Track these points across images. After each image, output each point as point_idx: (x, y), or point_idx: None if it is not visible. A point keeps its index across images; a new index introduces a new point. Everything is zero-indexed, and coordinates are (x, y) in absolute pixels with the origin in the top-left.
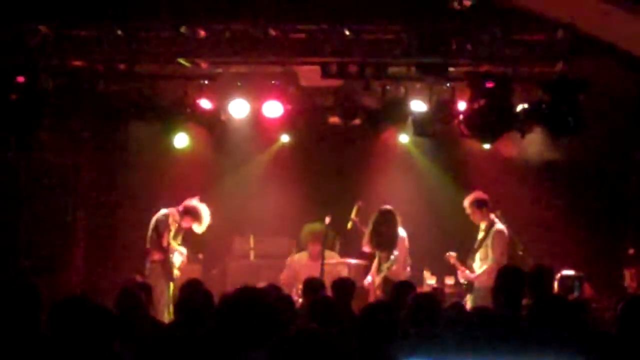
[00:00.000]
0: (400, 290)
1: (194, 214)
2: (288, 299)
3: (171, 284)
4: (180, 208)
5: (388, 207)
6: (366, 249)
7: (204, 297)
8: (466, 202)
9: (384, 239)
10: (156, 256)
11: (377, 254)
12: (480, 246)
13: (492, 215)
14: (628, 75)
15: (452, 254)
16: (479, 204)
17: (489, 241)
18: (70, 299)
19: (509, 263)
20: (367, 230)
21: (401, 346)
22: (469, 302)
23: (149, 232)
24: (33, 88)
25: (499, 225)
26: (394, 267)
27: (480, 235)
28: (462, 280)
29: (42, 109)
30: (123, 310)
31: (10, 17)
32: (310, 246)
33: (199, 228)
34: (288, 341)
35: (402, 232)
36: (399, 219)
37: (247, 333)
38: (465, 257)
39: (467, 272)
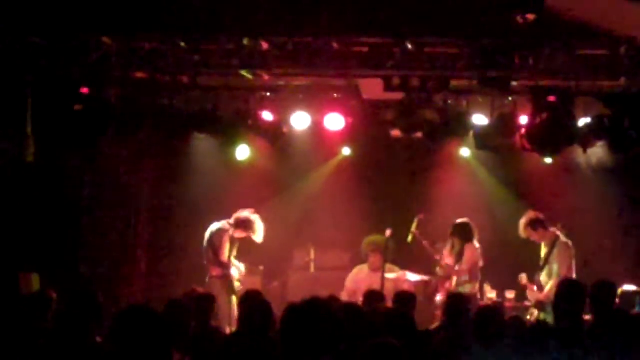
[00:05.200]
0: (454, 303)
1: (246, 226)
2: (356, 309)
3: (233, 297)
4: (232, 220)
5: (458, 220)
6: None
7: (264, 307)
8: (520, 228)
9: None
10: (215, 272)
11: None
12: (546, 262)
13: (553, 229)
14: None
15: (523, 275)
16: (533, 225)
17: (554, 256)
18: (133, 308)
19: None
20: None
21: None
22: (541, 318)
23: (204, 247)
24: (97, 99)
25: (564, 239)
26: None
27: (545, 250)
28: (531, 300)
29: (106, 121)
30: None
31: (74, 29)
32: (371, 257)
33: (257, 238)
34: (365, 351)
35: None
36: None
37: (311, 342)
38: (527, 272)
39: (536, 290)
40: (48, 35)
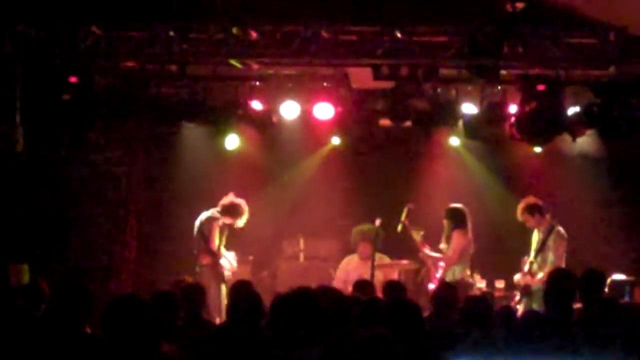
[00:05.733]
0: (443, 293)
1: (232, 211)
2: (346, 299)
3: (223, 286)
4: (218, 208)
5: (451, 205)
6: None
7: (253, 298)
8: (518, 211)
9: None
10: (205, 260)
11: None
12: (541, 249)
13: (548, 217)
14: None
15: (530, 259)
16: (530, 210)
17: (550, 243)
18: (122, 298)
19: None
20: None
21: (453, 348)
22: (522, 306)
23: (195, 236)
24: (85, 89)
25: (560, 228)
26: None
27: (537, 237)
28: (520, 282)
29: (94, 110)
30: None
31: (62, 18)
32: (361, 246)
33: (240, 222)
34: (359, 342)
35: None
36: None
37: (300, 332)
38: (518, 260)
39: (528, 275)
40: (37, 24)
